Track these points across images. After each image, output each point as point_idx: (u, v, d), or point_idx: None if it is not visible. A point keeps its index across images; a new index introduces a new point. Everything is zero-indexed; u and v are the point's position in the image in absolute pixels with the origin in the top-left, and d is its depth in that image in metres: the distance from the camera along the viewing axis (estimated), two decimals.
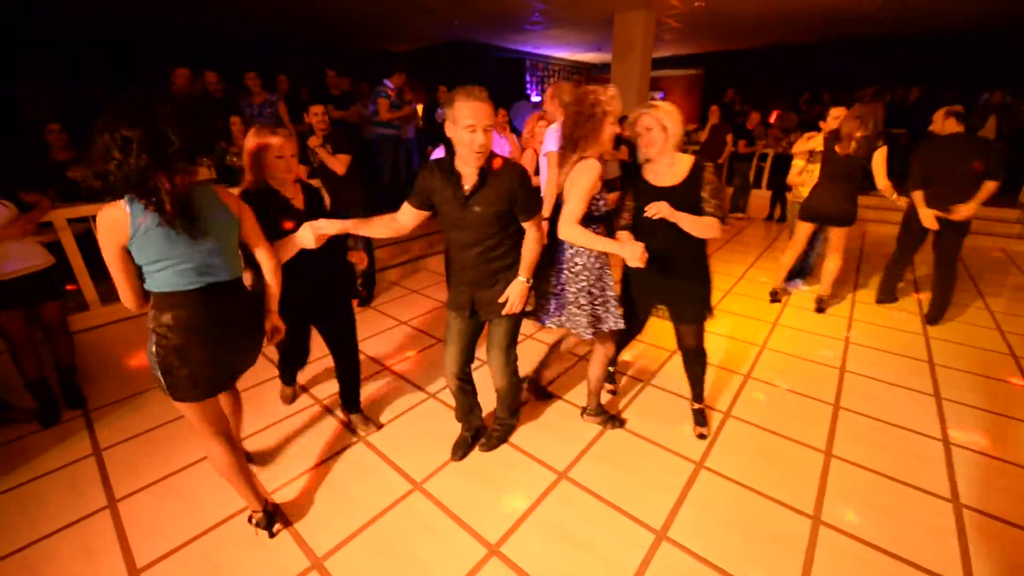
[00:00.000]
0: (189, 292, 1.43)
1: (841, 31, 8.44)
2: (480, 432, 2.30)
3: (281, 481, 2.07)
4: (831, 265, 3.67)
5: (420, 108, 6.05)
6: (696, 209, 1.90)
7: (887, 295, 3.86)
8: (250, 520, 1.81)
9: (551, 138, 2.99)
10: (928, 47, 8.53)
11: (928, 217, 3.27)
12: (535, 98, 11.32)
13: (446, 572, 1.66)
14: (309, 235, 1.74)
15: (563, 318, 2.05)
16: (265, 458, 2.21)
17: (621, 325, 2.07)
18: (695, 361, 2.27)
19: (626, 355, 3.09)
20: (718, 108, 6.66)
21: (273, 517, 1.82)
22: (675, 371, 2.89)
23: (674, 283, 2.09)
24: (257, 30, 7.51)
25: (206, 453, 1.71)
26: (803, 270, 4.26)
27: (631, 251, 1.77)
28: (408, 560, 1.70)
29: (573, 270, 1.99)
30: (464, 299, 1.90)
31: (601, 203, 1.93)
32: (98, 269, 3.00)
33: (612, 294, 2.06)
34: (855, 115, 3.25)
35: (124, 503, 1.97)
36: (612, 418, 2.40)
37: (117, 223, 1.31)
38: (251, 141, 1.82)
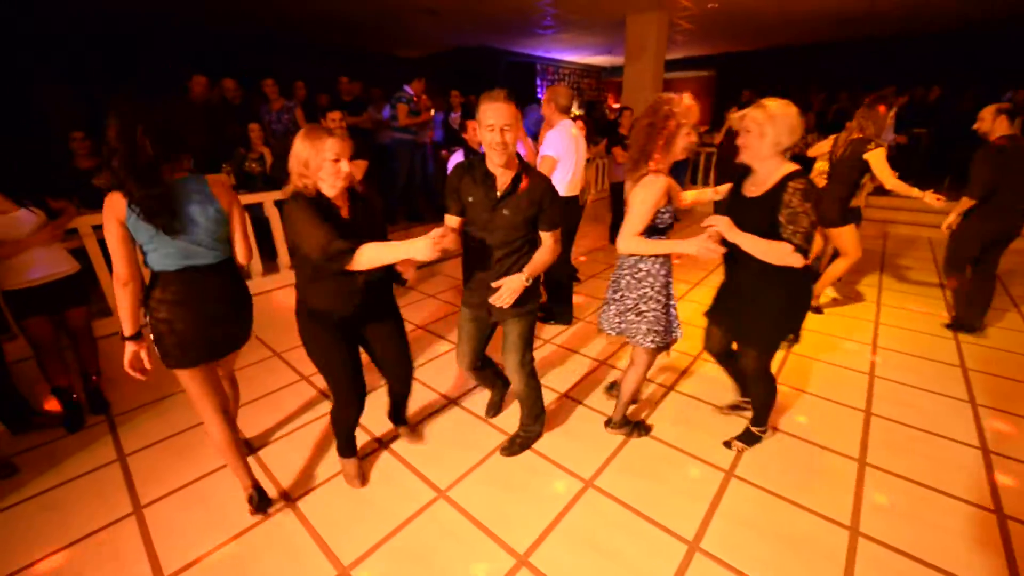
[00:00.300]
0: (175, 272, 1.62)
1: (856, 31, 8.34)
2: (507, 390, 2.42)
3: (304, 488, 2.05)
4: (832, 268, 3.55)
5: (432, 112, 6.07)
6: (772, 229, 1.70)
7: (978, 319, 3.38)
8: (250, 502, 1.84)
9: (548, 142, 3.02)
10: (946, 45, 8.40)
11: (948, 223, 3.22)
12: None
13: None
14: (427, 247, 1.46)
15: (622, 325, 2.03)
16: (288, 464, 2.20)
17: (679, 336, 2.05)
18: (754, 384, 2.13)
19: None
20: (738, 109, 6.55)
21: (265, 494, 1.88)
22: (699, 376, 2.84)
23: (742, 301, 1.97)
24: (258, 31, 7.58)
25: (206, 426, 1.80)
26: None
27: (696, 245, 1.72)
28: (435, 570, 1.67)
29: (636, 275, 1.97)
30: (480, 299, 1.90)
31: (666, 215, 1.89)
32: None
33: (675, 303, 2.03)
34: (856, 118, 3.21)
35: (149, 509, 1.97)
36: (637, 426, 2.35)
37: (117, 205, 1.51)
38: (301, 144, 1.56)
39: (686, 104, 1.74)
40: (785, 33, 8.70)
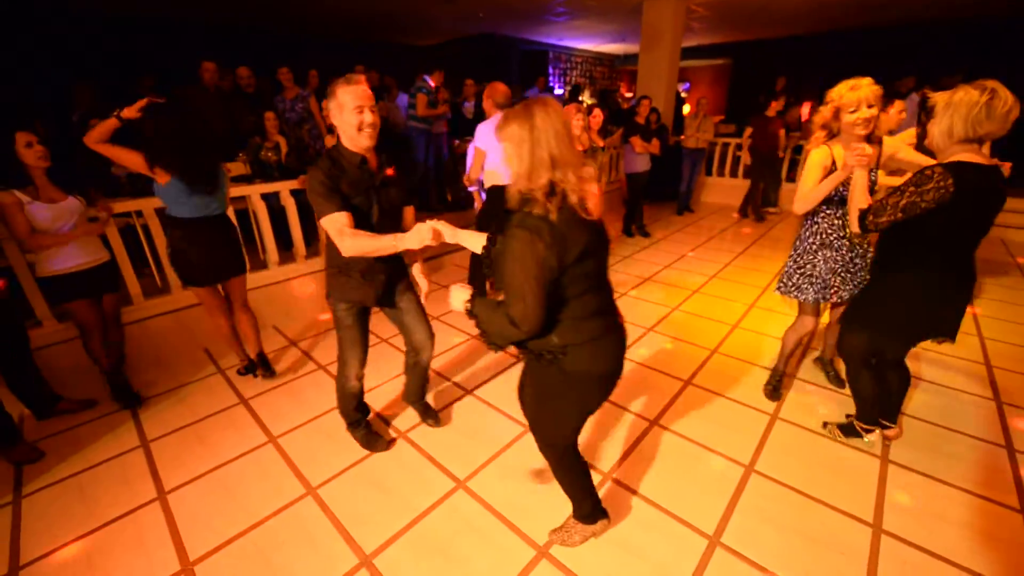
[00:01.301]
0: (191, 219, 2.34)
1: (877, 18, 8.10)
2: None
3: (325, 476, 2.07)
4: None
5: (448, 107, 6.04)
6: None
7: None
8: (239, 372, 2.80)
9: (478, 135, 3.18)
10: (972, 33, 8.13)
11: None
12: (557, 91, 11.18)
13: (496, 574, 1.63)
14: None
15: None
16: (307, 453, 2.22)
17: (805, 298, 2.27)
18: (848, 369, 2.12)
19: (666, 355, 3.02)
20: (775, 102, 6.10)
21: (253, 364, 2.79)
22: (716, 370, 2.81)
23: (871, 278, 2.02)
24: (274, 21, 7.56)
25: (212, 326, 2.65)
26: None
27: (847, 163, 1.86)
28: (456, 560, 1.68)
29: (797, 246, 2.33)
30: (375, 289, 1.88)
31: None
32: (139, 264, 3.05)
33: (820, 271, 2.22)
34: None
35: (173, 495, 2.00)
36: (778, 385, 2.57)
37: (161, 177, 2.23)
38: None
39: (840, 90, 1.96)
40: (805, 21, 8.47)
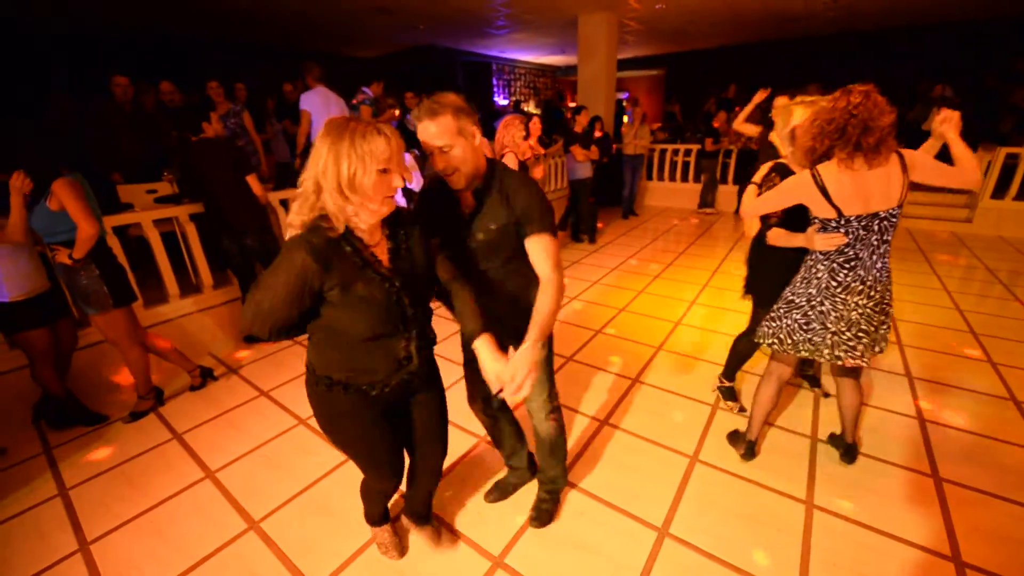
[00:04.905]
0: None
1: (793, 30, 8.81)
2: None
3: (268, 508, 1.97)
4: None
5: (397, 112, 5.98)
6: None
7: None
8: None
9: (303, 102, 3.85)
10: (875, 43, 9.00)
11: None
12: (503, 101, 11.35)
13: None
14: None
15: None
16: (250, 484, 2.10)
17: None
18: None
19: (614, 356, 3.11)
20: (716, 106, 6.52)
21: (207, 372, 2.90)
22: (661, 367, 2.92)
23: None
24: (203, 32, 7.24)
25: (127, 361, 2.52)
26: None
27: None
28: None
29: None
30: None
31: None
32: None
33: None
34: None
35: (97, 545, 1.83)
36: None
37: None
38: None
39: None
40: (728, 33, 9.08)
